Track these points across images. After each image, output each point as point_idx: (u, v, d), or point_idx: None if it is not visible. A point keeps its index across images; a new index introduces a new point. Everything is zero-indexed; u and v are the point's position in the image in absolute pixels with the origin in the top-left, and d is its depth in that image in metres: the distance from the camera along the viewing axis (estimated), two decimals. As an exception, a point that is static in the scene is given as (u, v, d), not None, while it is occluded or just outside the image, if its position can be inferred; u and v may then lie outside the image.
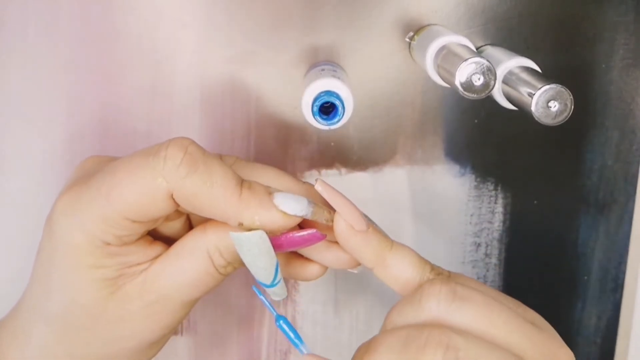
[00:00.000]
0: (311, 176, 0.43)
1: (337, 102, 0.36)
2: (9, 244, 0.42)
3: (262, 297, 0.34)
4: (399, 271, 0.34)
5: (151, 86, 0.40)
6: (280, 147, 0.42)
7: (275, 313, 0.34)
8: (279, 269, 0.34)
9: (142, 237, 0.34)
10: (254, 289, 0.34)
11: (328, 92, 0.36)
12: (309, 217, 0.33)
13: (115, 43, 0.40)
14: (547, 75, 0.35)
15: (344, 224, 0.34)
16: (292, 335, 0.34)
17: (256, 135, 0.42)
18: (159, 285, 0.34)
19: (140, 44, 0.40)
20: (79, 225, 0.32)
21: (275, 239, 0.34)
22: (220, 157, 0.36)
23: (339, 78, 0.37)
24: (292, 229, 0.34)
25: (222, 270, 0.34)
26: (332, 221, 0.34)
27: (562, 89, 0.34)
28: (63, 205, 0.33)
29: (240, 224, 0.32)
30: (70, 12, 0.39)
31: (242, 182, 0.33)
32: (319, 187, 0.34)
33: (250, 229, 0.32)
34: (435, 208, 0.44)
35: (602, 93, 0.42)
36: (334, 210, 0.34)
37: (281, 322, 0.34)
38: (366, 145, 0.42)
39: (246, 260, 0.33)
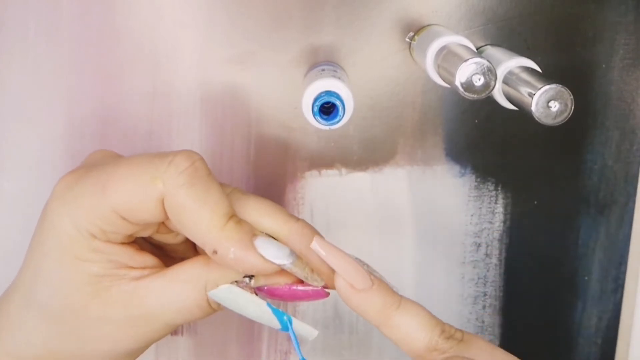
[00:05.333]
0: (311, 176, 0.43)
1: (337, 102, 0.36)
2: (9, 243, 0.42)
3: (282, 325, 0.33)
4: (406, 332, 0.32)
5: (151, 86, 0.40)
6: (281, 147, 0.42)
7: (300, 355, 0.33)
8: (279, 312, 0.33)
9: (129, 243, 0.34)
10: (274, 312, 0.33)
11: (328, 92, 0.36)
12: (287, 268, 0.32)
13: (115, 43, 0.40)
14: (547, 75, 0.35)
15: (344, 283, 0.32)
16: None
17: (256, 135, 0.42)
18: (146, 301, 0.33)
19: (140, 44, 0.40)
20: (69, 212, 0.32)
21: (276, 289, 0.33)
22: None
23: (339, 78, 0.37)
24: (296, 282, 0.33)
25: (214, 306, 0.34)
26: (312, 279, 0.33)
27: (563, 89, 0.34)
28: (59, 189, 0.33)
29: (215, 252, 0.32)
30: (71, 12, 0.39)
31: (232, 215, 0.32)
32: (315, 246, 0.32)
33: (223, 262, 0.32)
34: (435, 208, 0.44)
35: (602, 93, 0.42)
36: (320, 270, 0.33)
37: None
38: (366, 145, 0.42)
39: (238, 313, 0.33)
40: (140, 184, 0.32)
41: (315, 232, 0.35)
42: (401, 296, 0.33)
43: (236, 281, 0.33)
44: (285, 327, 0.33)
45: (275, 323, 0.33)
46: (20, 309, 0.34)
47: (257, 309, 0.33)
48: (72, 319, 0.33)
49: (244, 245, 0.32)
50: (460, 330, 0.33)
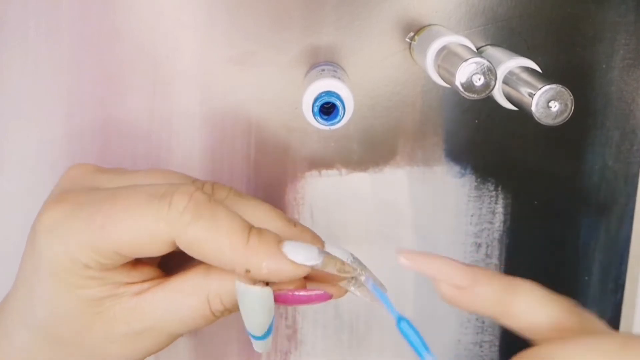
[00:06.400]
0: (311, 176, 0.43)
1: (337, 103, 0.36)
2: (8, 244, 0.42)
3: (382, 298, 0.32)
4: (528, 317, 0.30)
5: (151, 86, 0.40)
6: (281, 148, 0.42)
7: (396, 314, 0.31)
8: (272, 327, 0.33)
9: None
10: (374, 289, 0.32)
11: (328, 93, 0.36)
12: (319, 267, 0.32)
13: (116, 43, 0.40)
14: (547, 75, 0.35)
15: (448, 287, 0.31)
16: (416, 341, 0.30)
17: (256, 135, 0.42)
18: (149, 316, 0.33)
19: (141, 44, 0.40)
20: (63, 247, 0.31)
21: (281, 295, 0.33)
22: (213, 185, 0.35)
23: (339, 78, 0.37)
24: (299, 288, 0.33)
25: (217, 314, 0.33)
26: (344, 272, 0.32)
27: (563, 89, 0.34)
28: (48, 221, 0.32)
29: (248, 272, 0.31)
30: (71, 12, 0.39)
31: (250, 229, 0.31)
32: (404, 262, 0.31)
33: (256, 278, 0.31)
34: (435, 208, 0.44)
35: (603, 93, 0.42)
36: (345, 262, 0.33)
37: (403, 324, 0.30)
38: (366, 145, 0.42)
39: (244, 312, 0.32)
40: (144, 228, 0.31)
41: (314, 235, 0.35)
42: (511, 278, 0.31)
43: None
44: (260, 339, 0.33)
45: (258, 332, 0.33)
46: (17, 328, 0.34)
47: (265, 318, 0.32)
48: (76, 341, 0.33)
49: (274, 257, 0.31)
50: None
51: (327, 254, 0.32)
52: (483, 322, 0.46)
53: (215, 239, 0.31)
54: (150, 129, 0.41)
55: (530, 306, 0.30)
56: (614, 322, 0.46)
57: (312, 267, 0.31)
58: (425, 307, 0.45)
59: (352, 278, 0.34)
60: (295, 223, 0.34)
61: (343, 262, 0.32)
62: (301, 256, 0.31)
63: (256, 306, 0.32)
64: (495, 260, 0.45)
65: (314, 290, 0.33)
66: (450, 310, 0.45)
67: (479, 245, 0.45)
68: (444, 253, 0.44)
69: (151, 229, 0.31)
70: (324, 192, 0.43)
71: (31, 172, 0.41)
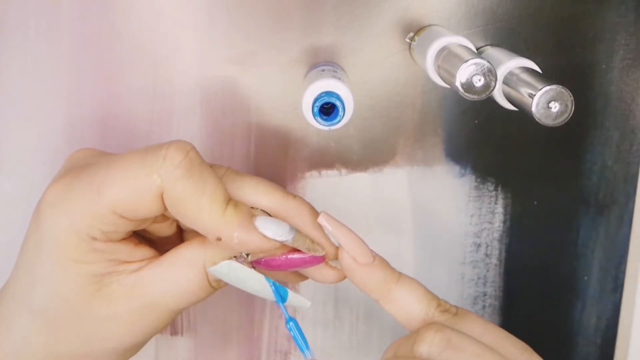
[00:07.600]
0: (311, 177, 0.43)
1: (337, 103, 0.36)
2: (8, 244, 0.42)
3: (277, 299, 0.34)
4: (404, 305, 0.34)
5: (151, 86, 0.40)
6: (281, 148, 0.42)
7: (287, 315, 0.34)
8: (277, 286, 0.34)
9: (128, 238, 0.34)
10: (272, 285, 0.34)
11: (328, 93, 0.36)
12: (289, 243, 0.33)
13: (115, 43, 0.40)
14: (547, 75, 0.35)
15: (348, 257, 0.34)
16: (299, 338, 0.34)
17: (256, 135, 0.42)
18: (148, 291, 0.33)
19: (141, 44, 0.40)
20: (66, 218, 0.32)
21: (273, 260, 0.34)
22: (211, 166, 0.36)
23: (339, 79, 0.37)
24: (292, 251, 0.34)
25: (215, 285, 0.34)
26: (314, 250, 0.34)
27: (563, 90, 0.34)
28: (51, 196, 0.33)
29: (219, 239, 0.32)
30: (71, 12, 0.39)
31: (229, 200, 0.33)
32: (322, 221, 0.34)
33: (227, 247, 0.33)
34: (435, 208, 0.44)
35: (602, 93, 0.42)
36: (319, 243, 0.35)
37: (291, 324, 0.34)
38: (366, 145, 0.42)
39: (238, 287, 0.34)
40: (137, 181, 0.32)
41: (311, 207, 0.35)
42: (400, 272, 0.35)
43: (234, 257, 0.34)
44: (280, 299, 0.34)
45: (271, 295, 0.34)
46: (17, 313, 0.34)
47: (256, 283, 0.34)
48: (76, 321, 0.33)
49: (245, 228, 0.32)
50: (455, 306, 0.35)
51: (298, 232, 0.34)
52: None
53: (198, 201, 0.32)
54: (150, 129, 0.41)
55: (408, 296, 0.34)
56: (613, 321, 0.46)
57: (282, 243, 0.33)
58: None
59: None
60: (294, 195, 0.35)
61: (313, 241, 0.34)
62: (271, 231, 0.33)
63: (233, 279, 0.34)
64: (495, 260, 0.45)
65: (306, 253, 0.34)
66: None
67: (479, 245, 0.45)
68: (444, 253, 0.45)
69: (144, 182, 0.32)
70: (324, 192, 0.43)
71: (31, 172, 0.41)
